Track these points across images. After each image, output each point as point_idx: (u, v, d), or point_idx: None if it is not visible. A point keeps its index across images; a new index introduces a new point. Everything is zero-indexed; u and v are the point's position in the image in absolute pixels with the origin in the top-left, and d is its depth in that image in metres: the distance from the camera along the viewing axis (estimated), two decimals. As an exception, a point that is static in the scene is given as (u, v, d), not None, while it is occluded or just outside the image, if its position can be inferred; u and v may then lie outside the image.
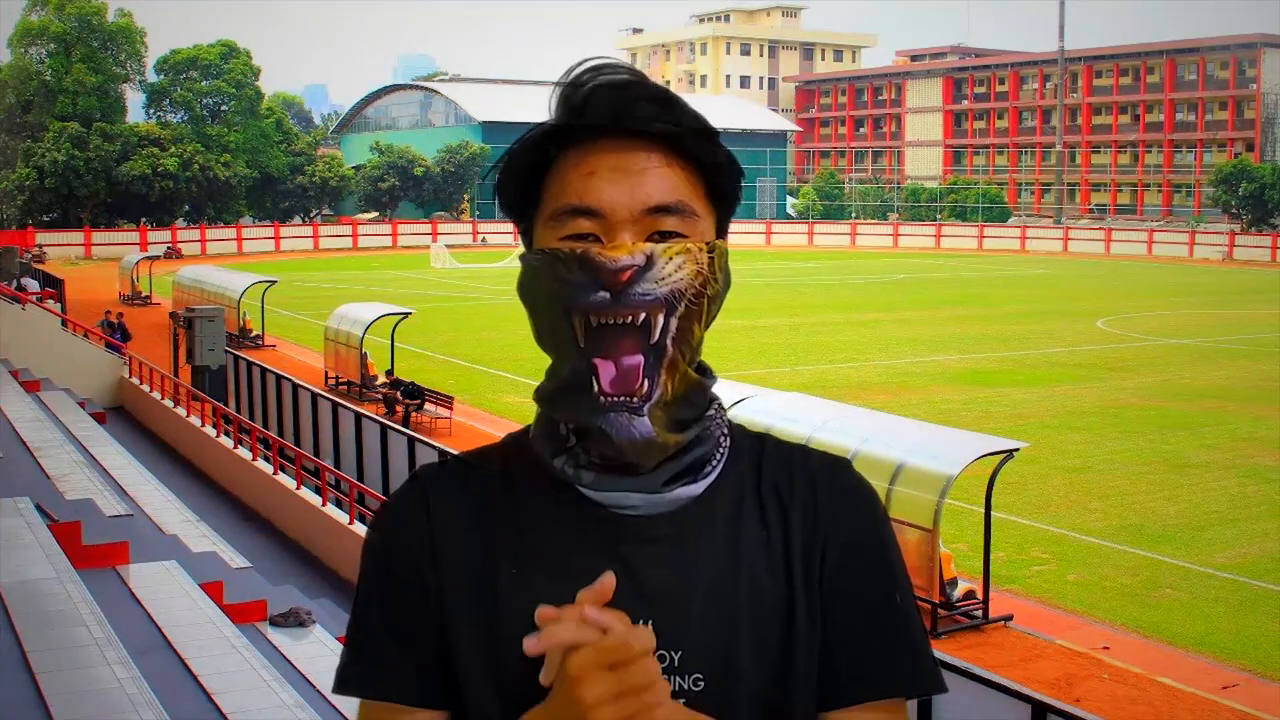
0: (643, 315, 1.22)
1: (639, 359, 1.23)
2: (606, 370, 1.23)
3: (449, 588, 1.28)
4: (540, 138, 1.28)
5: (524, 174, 1.29)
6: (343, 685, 1.32)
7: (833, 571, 1.30)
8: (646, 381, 1.23)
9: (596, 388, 1.24)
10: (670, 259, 1.22)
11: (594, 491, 1.27)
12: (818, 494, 1.32)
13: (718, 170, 1.28)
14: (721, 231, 1.31)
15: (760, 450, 1.35)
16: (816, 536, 1.30)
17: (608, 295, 1.21)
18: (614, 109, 1.24)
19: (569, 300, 1.23)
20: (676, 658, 1.23)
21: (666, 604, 1.24)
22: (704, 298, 1.25)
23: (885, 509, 1.37)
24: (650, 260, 1.21)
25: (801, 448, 1.36)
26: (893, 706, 1.31)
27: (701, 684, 1.23)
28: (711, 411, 1.32)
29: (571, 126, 1.26)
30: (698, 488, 1.28)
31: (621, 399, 1.23)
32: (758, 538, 1.29)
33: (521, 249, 1.34)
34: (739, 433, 1.36)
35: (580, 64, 1.29)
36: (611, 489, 1.27)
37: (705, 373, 1.32)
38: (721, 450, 1.32)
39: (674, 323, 1.23)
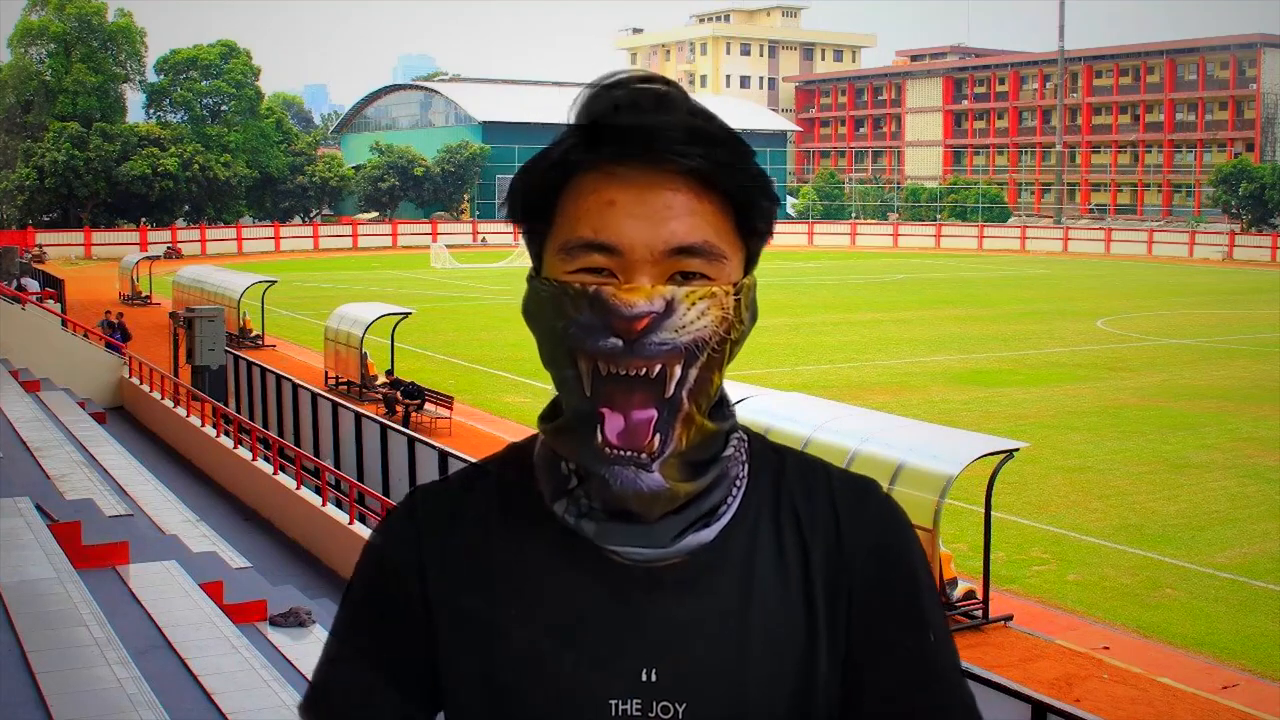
0: (658, 367, 1.11)
1: (651, 413, 1.12)
2: (614, 422, 1.12)
3: (442, 625, 1.21)
4: (559, 157, 1.16)
5: (537, 190, 1.17)
6: (312, 709, 1.26)
7: (859, 613, 1.20)
8: (658, 437, 1.12)
9: (600, 438, 1.13)
10: (693, 305, 1.11)
11: (598, 542, 1.18)
12: (841, 524, 1.21)
13: (750, 205, 1.16)
14: (750, 266, 1.19)
15: (780, 471, 1.24)
16: (841, 574, 1.20)
17: (620, 343, 1.10)
18: (642, 136, 1.12)
19: (575, 342, 1.12)
20: (681, 709, 1.15)
21: (672, 653, 1.16)
22: (727, 343, 1.14)
23: (915, 535, 1.26)
24: (670, 306, 1.10)
25: (825, 467, 1.25)
26: None
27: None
28: (729, 451, 1.20)
29: (593, 146, 1.14)
30: (710, 533, 1.18)
31: (628, 454, 1.13)
32: (774, 580, 1.19)
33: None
34: (759, 450, 1.25)
35: (608, 77, 1.17)
36: (617, 542, 1.17)
37: (723, 414, 1.20)
38: (739, 484, 1.21)
39: (693, 373, 1.12)
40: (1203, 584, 12.74)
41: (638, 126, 1.12)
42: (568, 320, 1.12)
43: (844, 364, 26.65)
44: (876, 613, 1.21)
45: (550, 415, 1.21)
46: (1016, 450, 12.39)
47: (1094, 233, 70.72)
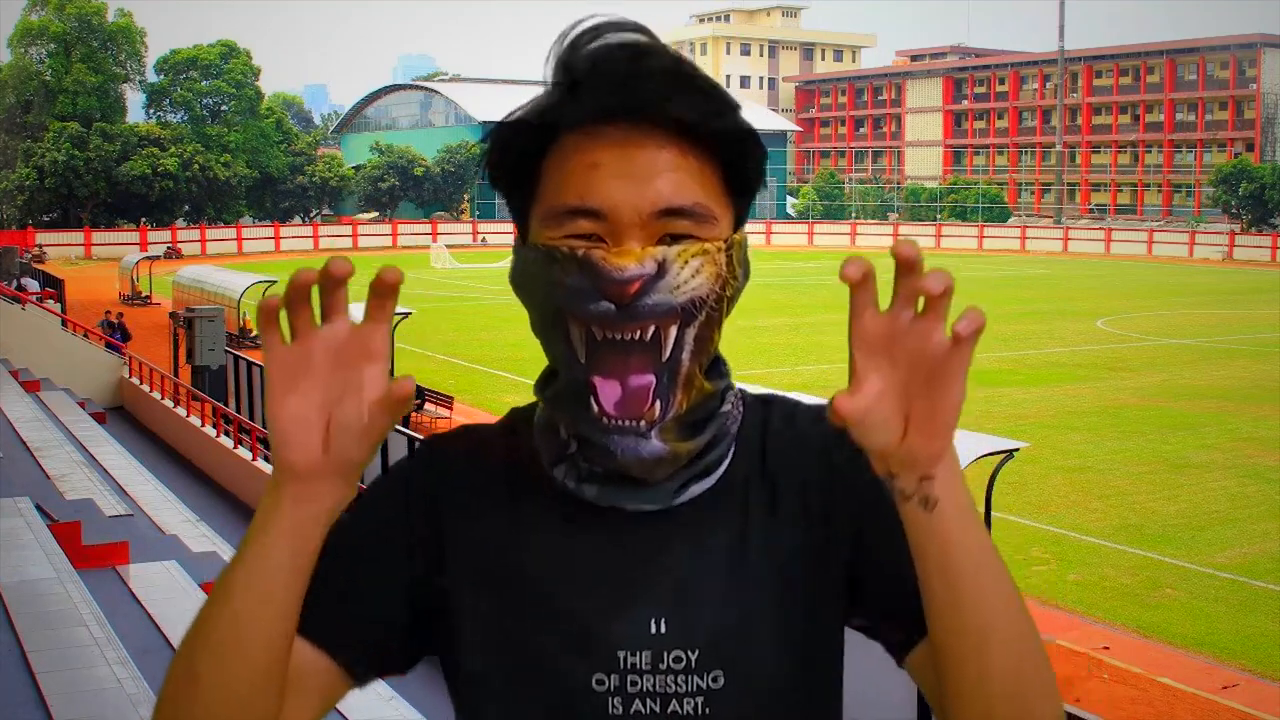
0: (653, 328, 1.08)
1: (649, 379, 1.10)
2: (609, 390, 1.10)
3: (454, 567, 1.19)
4: (537, 121, 1.12)
5: (517, 156, 1.14)
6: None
7: (868, 515, 1.17)
8: (658, 403, 1.10)
9: (597, 408, 1.10)
10: (685, 264, 1.08)
11: (600, 504, 1.17)
12: (828, 449, 1.20)
13: (739, 159, 1.13)
14: (739, 223, 1.16)
15: (765, 419, 1.23)
16: (842, 495, 1.19)
17: (612, 307, 1.07)
18: (623, 92, 1.08)
19: (567, 306, 1.09)
20: (694, 657, 1.14)
21: (679, 603, 1.15)
22: (724, 300, 1.12)
23: None
24: (662, 268, 1.07)
25: (805, 408, 1.25)
26: None
27: (721, 680, 1.15)
28: (726, 407, 1.20)
29: (572, 105, 1.10)
30: (709, 482, 1.18)
31: (627, 423, 1.10)
32: (769, 521, 1.19)
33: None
34: (749, 403, 1.25)
35: (580, 24, 1.12)
36: (619, 502, 1.16)
37: (719, 372, 1.20)
38: (732, 437, 1.20)
39: (690, 333, 1.10)
40: (1203, 584, 12.73)
41: (618, 83, 1.08)
42: (558, 286, 1.09)
43: (844, 364, 26.03)
44: (879, 506, 1.14)
45: (545, 382, 1.20)
46: (1016, 450, 12.36)
47: (1094, 233, 70.75)
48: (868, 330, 0.99)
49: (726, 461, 1.20)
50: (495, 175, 1.18)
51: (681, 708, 1.15)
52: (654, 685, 1.15)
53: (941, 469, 0.99)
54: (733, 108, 1.13)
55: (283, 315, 1.02)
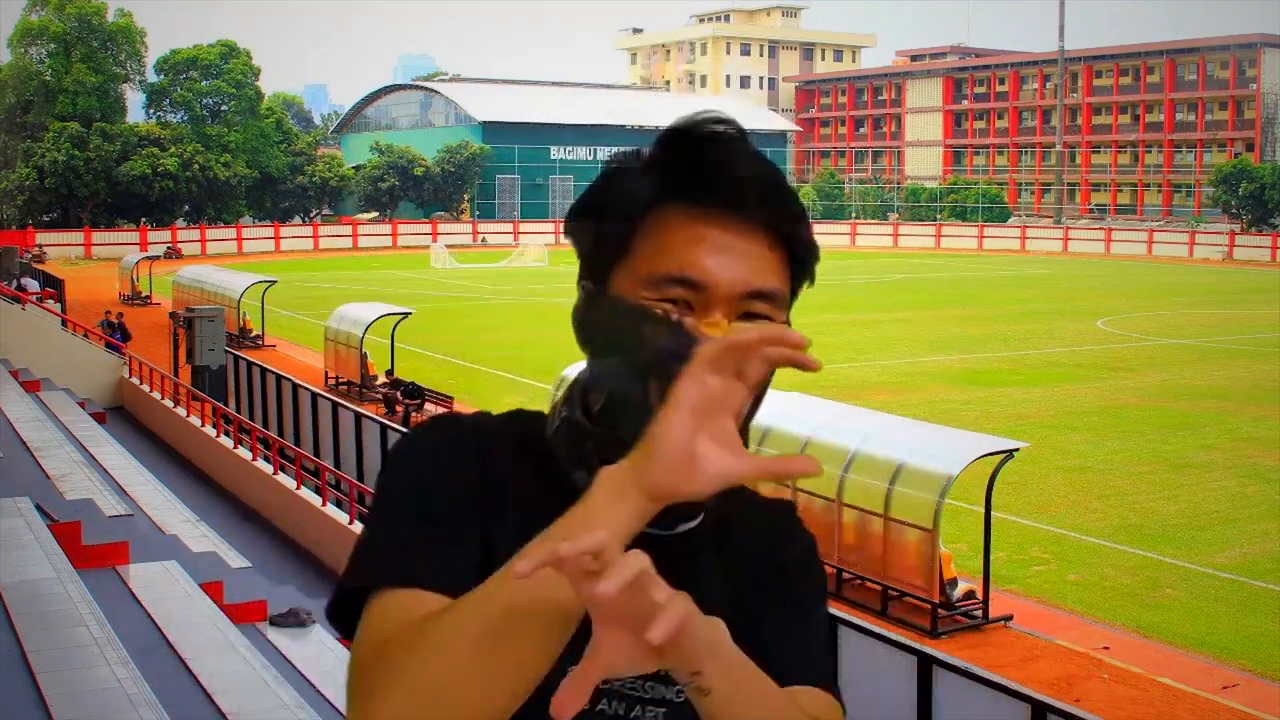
0: None
1: None
2: None
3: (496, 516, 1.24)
4: (649, 194, 1.23)
5: (617, 220, 1.24)
6: (367, 577, 1.18)
7: (791, 597, 1.35)
8: None
9: None
10: None
11: None
12: (775, 535, 1.38)
13: (805, 258, 1.27)
14: (789, 306, 1.31)
15: (730, 493, 1.35)
16: (777, 571, 1.35)
17: None
18: (732, 185, 1.21)
19: (655, 362, 1.18)
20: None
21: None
22: (772, 375, 1.22)
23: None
24: None
25: (759, 498, 1.40)
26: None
27: (683, 696, 1.20)
28: None
29: (681, 187, 1.22)
30: (692, 524, 1.29)
31: None
32: (724, 576, 1.31)
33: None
34: None
35: (692, 119, 1.25)
36: None
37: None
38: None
39: (749, 401, 1.20)
40: (1203, 584, 12.74)
41: (729, 174, 1.21)
42: (646, 343, 1.19)
43: (844, 364, 26.63)
44: (799, 594, 1.36)
45: (589, 413, 1.26)
46: (1016, 450, 12.40)
47: (1094, 233, 70.75)
48: (599, 608, 1.02)
49: (702, 514, 1.31)
50: (581, 224, 1.27)
51: (644, 714, 1.24)
52: (623, 685, 1.23)
53: (707, 663, 1.06)
54: (806, 215, 1.28)
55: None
